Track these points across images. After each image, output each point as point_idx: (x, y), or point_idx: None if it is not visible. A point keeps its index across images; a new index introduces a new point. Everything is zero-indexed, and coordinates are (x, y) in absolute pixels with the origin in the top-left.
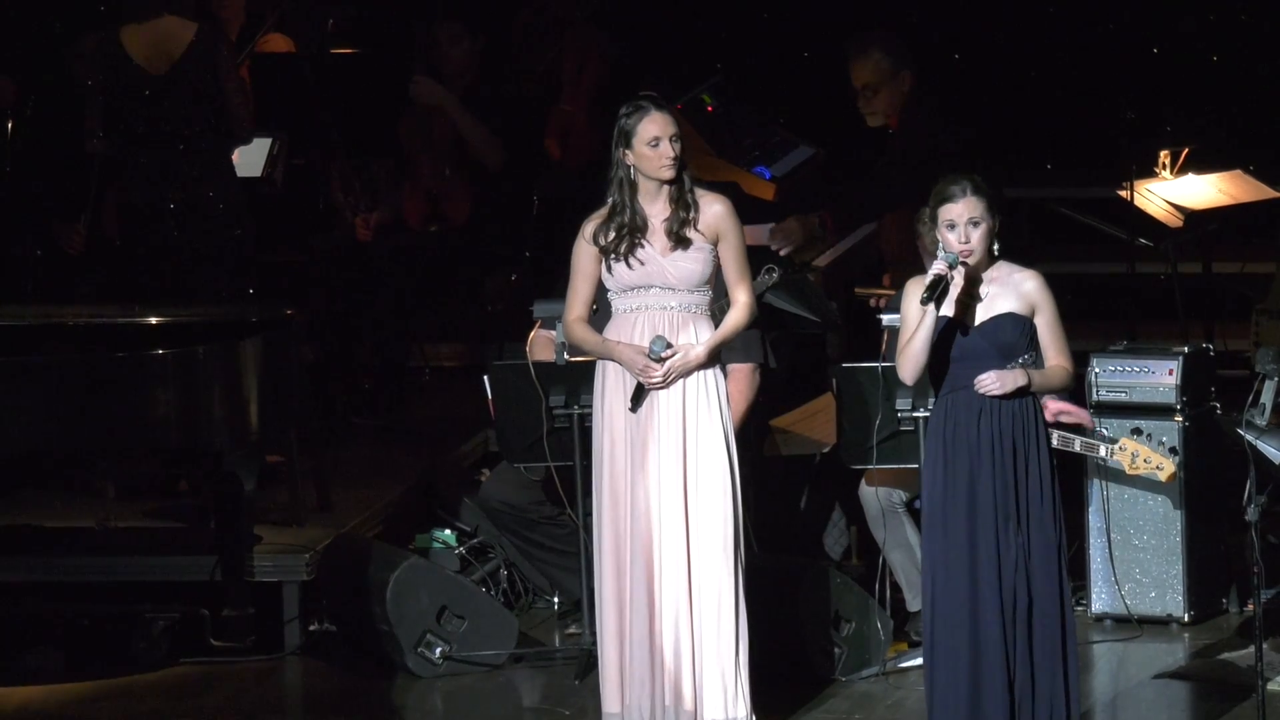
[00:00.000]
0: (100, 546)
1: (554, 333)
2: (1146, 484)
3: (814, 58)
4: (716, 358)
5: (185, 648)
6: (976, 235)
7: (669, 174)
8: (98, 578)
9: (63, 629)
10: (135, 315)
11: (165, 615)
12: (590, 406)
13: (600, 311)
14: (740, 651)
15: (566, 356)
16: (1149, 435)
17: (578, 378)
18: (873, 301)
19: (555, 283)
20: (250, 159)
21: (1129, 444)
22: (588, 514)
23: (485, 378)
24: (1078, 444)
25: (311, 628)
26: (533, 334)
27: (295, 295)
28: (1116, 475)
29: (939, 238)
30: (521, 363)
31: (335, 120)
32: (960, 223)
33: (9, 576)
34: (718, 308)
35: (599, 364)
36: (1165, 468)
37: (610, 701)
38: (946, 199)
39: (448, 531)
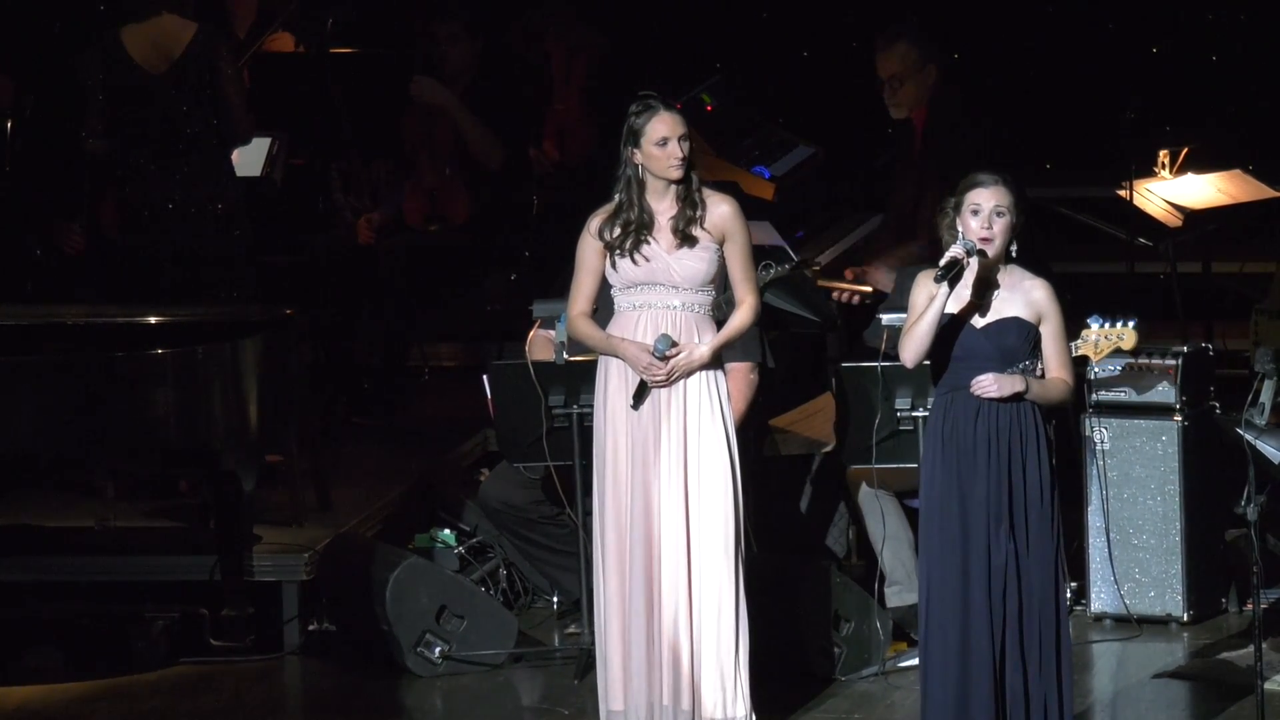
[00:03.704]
0: (100, 546)
1: (553, 332)
2: (1146, 484)
3: (814, 57)
4: (719, 358)
5: (184, 647)
6: (999, 225)
7: (677, 174)
8: (97, 578)
9: (62, 629)
10: (135, 315)
11: (164, 615)
12: (589, 406)
13: (601, 309)
14: (740, 651)
15: (566, 356)
16: (1103, 322)
17: (577, 377)
18: (836, 294)
19: (555, 282)
20: (249, 159)
21: (1088, 334)
22: (587, 513)
23: (485, 377)
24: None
25: (311, 627)
26: (532, 333)
27: (295, 295)
28: (1116, 475)
29: (960, 225)
30: (521, 362)
31: (341, 120)
32: (985, 209)
33: (9, 576)
34: (723, 300)
35: (601, 361)
36: (1126, 336)
37: (614, 700)
38: (976, 185)
39: (447, 531)
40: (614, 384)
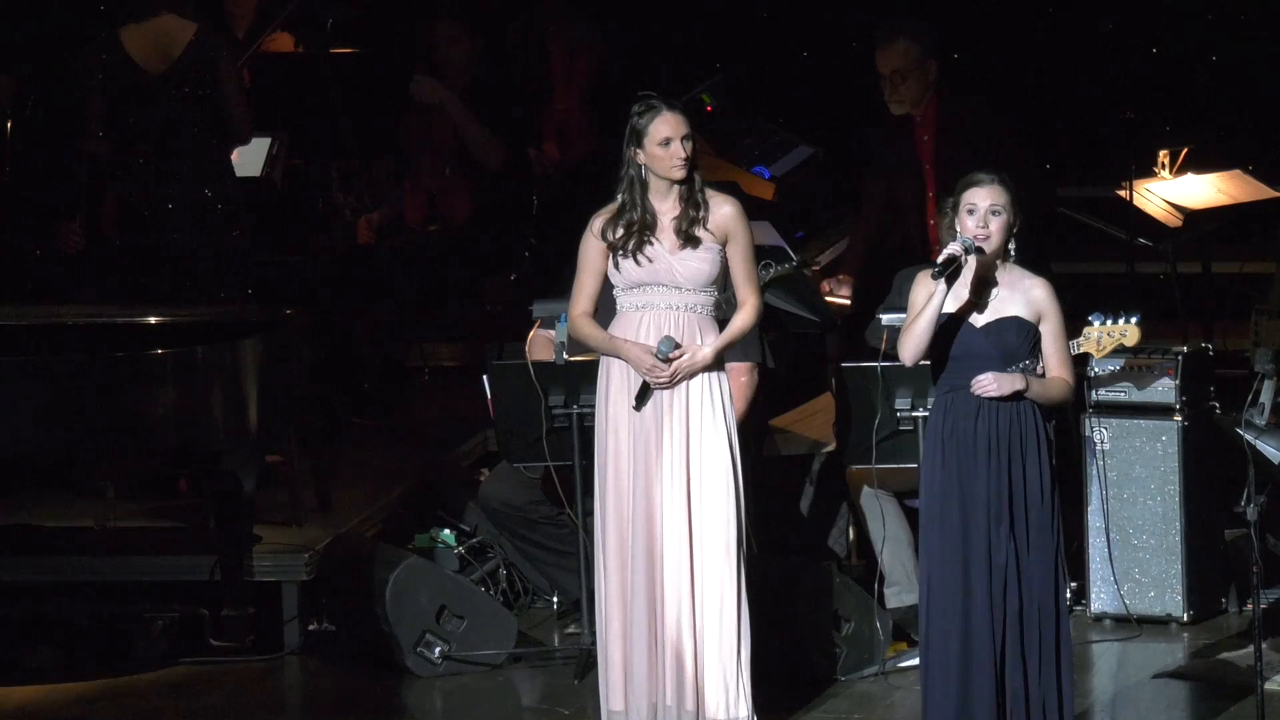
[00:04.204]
0: (100, 546)
1: (553, 332)
2: (1146, 484)
3: (814, 57)
4: (722, 359)
5: (185, 647)
6: (995, 224)
7: (680, 174)
8: (98, 578)
9: (63, 629)
10: (135, 315)
11: (164, 615)
12: (589, 406)
13: (602, 309)
14: (742, 651)
15: (565, 356)
16: (1104, 319)
17: (577, 377)
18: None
19: (555, 282)
20: (249, 159)
21: (1090, 331)
22: (587, 514)
23: (485, 377)
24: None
25: (311, 627)
26: (532, 334)
27: (295, 295)
28: (1116, 475)
29: (958, 224)
30: (521, 362)
31: (341, 120)
32: (981, 208)
33: (9, 576)
34: (723, 299)
35: (603, 362)
36: (1129, 332)
37: (614, 700)
38: (973, 184)
39: (447, 531)
40: (616, 384)
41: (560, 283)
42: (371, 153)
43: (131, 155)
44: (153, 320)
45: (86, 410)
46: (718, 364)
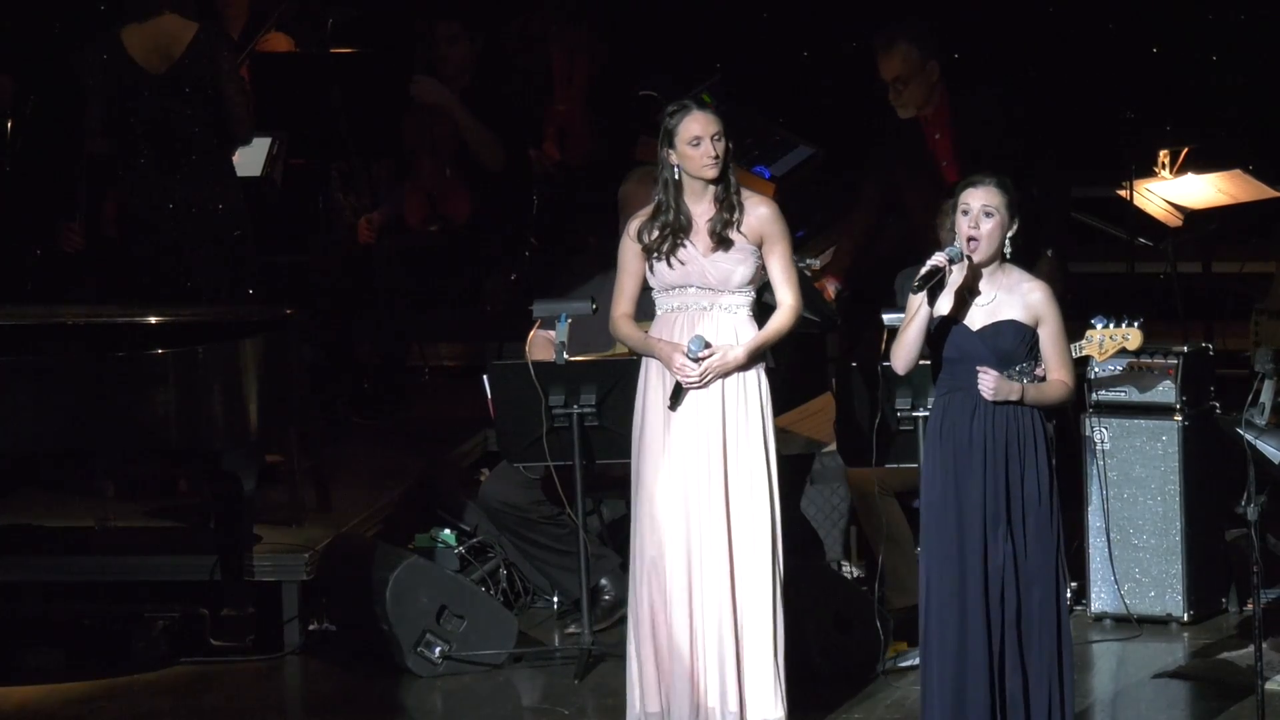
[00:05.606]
0: (100, 546)
1: (553, 332)
2: (1146, 484)
3: (814, 57)
4: (760, 359)
5: (185, 647)
6: (987, 225)
7: (711, 173)
8: (98, 577)
9: (63, 629)
10: (135, 315)
11: (165, 615)
12: (590, 406)
13: (644, 310)
14: (779, 650)
15: (565, 356)
16: (1107, 322)
17: (577, 377)
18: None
19: (555, 282)
20: (250, 159)
21: (1093, 334)
22: (587, 513)
23: (485, 377)
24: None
25: (311, 627)
26: (532, 334)
27: (295, 295)
28: (1116, 475)
29: (955, 226)
30: (521, 362)
31: (341, 120)
32: (974, 209)
33: (9, 576)
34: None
35: (642, 361)
36: (1131, 336)
37: (650, 702)
38: (970, 185)
39: (447, 531)
40: (653, 385)
41: (560, 283)
42: (371, 153)
43: (132, 155)
44: (153, 320)
45: (87, 410)
46: (754, 363)
